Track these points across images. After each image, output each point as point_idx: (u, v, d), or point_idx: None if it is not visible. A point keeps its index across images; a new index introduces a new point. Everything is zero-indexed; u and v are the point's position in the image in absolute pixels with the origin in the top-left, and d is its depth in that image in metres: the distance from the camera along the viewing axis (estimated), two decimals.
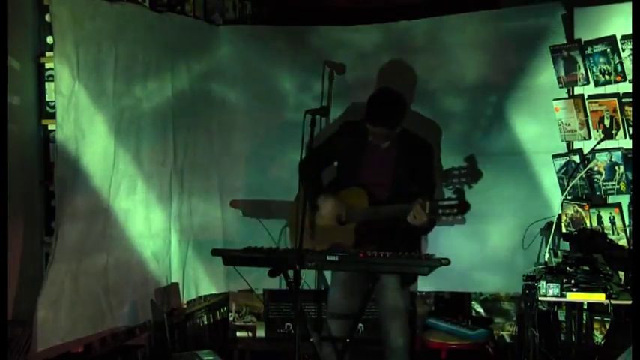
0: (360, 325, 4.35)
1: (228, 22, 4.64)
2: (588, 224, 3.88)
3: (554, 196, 4.08)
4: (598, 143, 3.84)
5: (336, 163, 3.87)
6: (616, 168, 3.80)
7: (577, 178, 3.92)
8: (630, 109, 3.68)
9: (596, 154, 3.86)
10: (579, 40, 3.92)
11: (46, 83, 3.60)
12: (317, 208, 3.62)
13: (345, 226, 3.62)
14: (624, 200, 3.81)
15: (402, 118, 3.58)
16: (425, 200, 3.33)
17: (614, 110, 3.77)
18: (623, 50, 3.72)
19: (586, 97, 3.92)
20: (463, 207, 3.32)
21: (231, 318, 4.82)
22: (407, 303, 3.69)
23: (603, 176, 3.86)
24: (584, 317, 3.85)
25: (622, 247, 3.75)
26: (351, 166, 3.72)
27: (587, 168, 3.87)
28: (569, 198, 3.99)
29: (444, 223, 4.30)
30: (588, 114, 3.90)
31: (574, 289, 3.08)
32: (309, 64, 4.49)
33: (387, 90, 3.68)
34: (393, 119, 3.54)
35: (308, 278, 4.17)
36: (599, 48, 3.80)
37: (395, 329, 3.59)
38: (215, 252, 3.53)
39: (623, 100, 3.74)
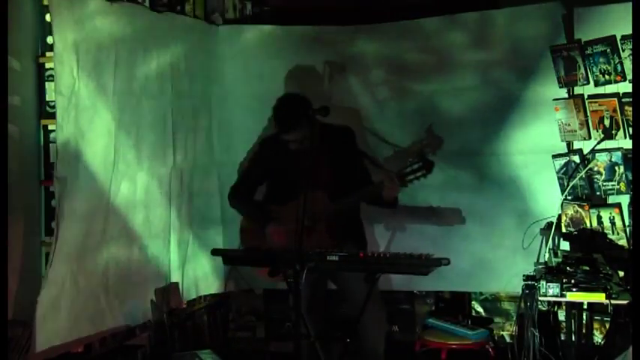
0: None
1: (228, 22, 4.64)
2: (588, 224, 3.88)
3: (554, 196, 4.07)
4: (598, 143, 3.84)
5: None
6: (616, 168, 3.80)
7: (577, 178, 3.92)
8: (630, 109, 3.68)
9: (596, 154, 3.86)
10: (579, 40, 3.92)
11: (46, 83, 3.60)
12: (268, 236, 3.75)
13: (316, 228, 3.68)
14: (624, 200, 3.81)
15: (308, 116, 3.49)
16: (393, 173, 3.42)
17: (614, 110, 3.77)
18: (623, 50, 3.72)
19: (586, 97, 3.92)
20: (428, 166, 3.42)
21: (231, 318, 4.83)
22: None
23: (603, 176, 3.86)
24: (584, 317, 3.85)
25: (622, 247, 3.75)
26: (285, 176, 3.75)
27: (587, 168, 3.88)
28: (569, 198, 3.99)
29: (444, 223, 4.36)
30: (588, 114, 3.90)
31: (574, 289, 3.08)
32: (309, 64, 4.48)
33: (286, 96, 3.82)
34: (300, 120, 3.54)
35: None
36: (599, 48, 3.80)
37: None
38: (215, 252, 3.54)
39: (623, 100, 3.74)
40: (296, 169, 3.62)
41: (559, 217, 3.98)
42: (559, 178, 4.07)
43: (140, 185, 3.84)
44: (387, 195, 3.47)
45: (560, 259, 3.50)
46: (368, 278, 3.43)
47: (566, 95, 4.02)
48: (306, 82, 4.38)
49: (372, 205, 3.75)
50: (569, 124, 3.99)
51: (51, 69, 3.48)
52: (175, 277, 4.17)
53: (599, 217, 3.85)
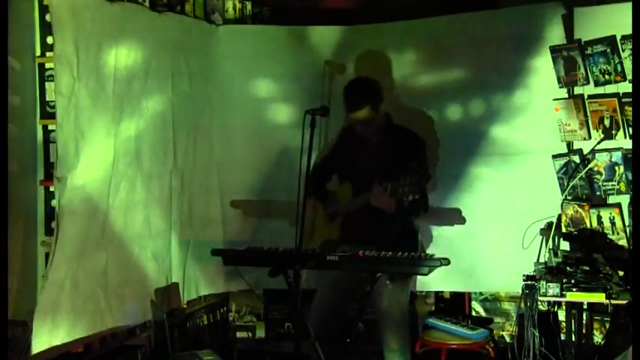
0: (360, 324, 4.36)
1: (228, 22, 4.64)
2: (588, 224, 3.88)
3: (554, 196, 4.07)
4: (598, 143, 3.84)
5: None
6: (616, 168, 3.80)
7: (577, 178, 3.92)
8: (630, 109, 3.68)
9: (596, 154, 3.86)
10: (579, 40, 3.92)
11: (46, 83, 3.61)
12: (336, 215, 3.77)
13: (333, 223, 3.72)
14: (624, 200, 3.81)
15: (378, 97, 3.62)
16: (388, 184, 3.33)
17: (614, 110, 3.77)
18: (623, 50, 3.72)
19: (586, 97, 3.92)
20: (421, 182, 3.30)
21: (231, 318, 4.83)
22: (402, 304, 3.65)
23: (603, 176, 3.86)
24: (584, 317, 3.85)
25: (622, 247, 3.75)
26: (346, 165, 3.80)
27: (587, 168, 3.88)
28: (569, 198, 3.99)
29: (444, 223, 4.36)
30: (588, 114, 3.90)
31: (574, 289, 3.07)
32: (309, 64, 4.49)
33: (358, 78, 3.86)
34: (369, 99, 3.59)
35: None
36: (599, 48, 3.81)
37: (389, 332, 3.60)
38: (215, 252, 3.53)
39: (623, 100, 3.74)
40: (353, 160, 3.72)
41: (559, 217, 3.98)
42: (559, 178, 4.07)
43: (140, 185, 3.84)
44: (375, 202, 3.42)
45: (560, 259, 3.50)
46: (368, 278, 3.44)
47: (566, 95, 4.02)
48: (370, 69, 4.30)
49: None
50: (569, 124, 3.99)
51: (51, 69, 3.48)
52: (175, 277, 4.17)
53: (599, 217, 3.85)
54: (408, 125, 3.81)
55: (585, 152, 3.94)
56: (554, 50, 3.99)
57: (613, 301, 3.03)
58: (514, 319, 4.41)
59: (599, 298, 3.05)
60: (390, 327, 3.60)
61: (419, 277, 3.31)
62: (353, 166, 3.75)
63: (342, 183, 3.86)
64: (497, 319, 4.61)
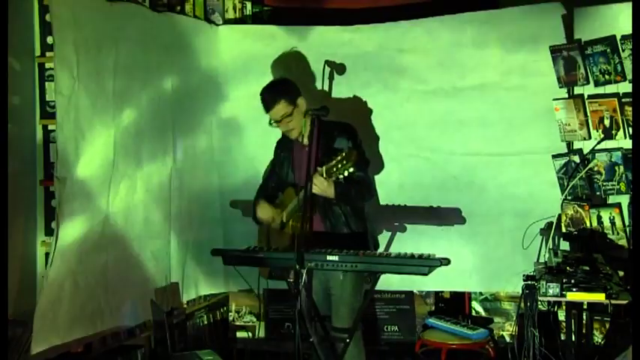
0: (360, 324, 4.36)
1: (228, 22, 4.65)
2: (588, 224, 3.88)
3: (554, 196, 4.08)
4: (598, 143, 3.85)
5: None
6: (616, 168, 3.80)
7: (577, 178, 3.92)
8: (630, 109, 3.68)
9: (596, 154, 3.86)
10: (579, 40, 3.92)
11: (46, 83, 3.61)
12: (260, 219, 3.84)
13: (284, 228, 3.71)
14: (624, 200, 3.81)
15: (292, 91, 3.71)
16: (322, 169, 3.36)
17: (614, 110, 3.78)
18: (623, 50, 3.72)
19: (586, 97, 3.93)
20: (350, 156, 3.29)
21: (231, 318, 4.83)
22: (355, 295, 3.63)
23: (603, 176, 3.86)
24: (584, 317, 3.85)
25: (622, 247, 3.75)
26: (283, 170, 3.87)
27: (587, 168, 3.88)
28: (569, 198, 3.99)
29: (444, 223, 4.36)
30: (588, 114, 3.90)
31: (574, 289, 3.07)
32: (309, 64, 4.48)
33: (270, 82, 3.92)
34: (280, 93, 3.67)
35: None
36: (599, 48, 3.81)
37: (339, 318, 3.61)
38: (215, 252, 3.53)
39: (623, 100, 3.75)
40: (288, 164, 3.78)
41: (559, 217, 3.98)
42: (559, 178, 4.07)
43: (140, 185, 3.84)
44: (316, 190, 3.42)
45: (560, 259, 3.50)
46: (368, 278, 3.44)
47: (566, 95, 4.02)
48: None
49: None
50: (569, 124, 3.99)
51: (51, 69, 3.48)
52: (175, 277, 4.17)
53: (599, 217, 3.86)
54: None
55: (585, 152, 3.94)
56: (554, 50, 4.00)
57: (613, 301, 3.03)
58: (514, 319, 4.42)
59: (599, 298, 3.04)
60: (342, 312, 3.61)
61: (419, 277, 3.29)
62: (292, 172, 3.81)
63: (284, 190, 3.85)
64: (497, 319, 4.61)
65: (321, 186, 3.40)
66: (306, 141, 3.72)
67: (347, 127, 3.75)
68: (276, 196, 3.88)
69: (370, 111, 4.47)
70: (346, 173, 3.28)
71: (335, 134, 3.68)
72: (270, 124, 3.75)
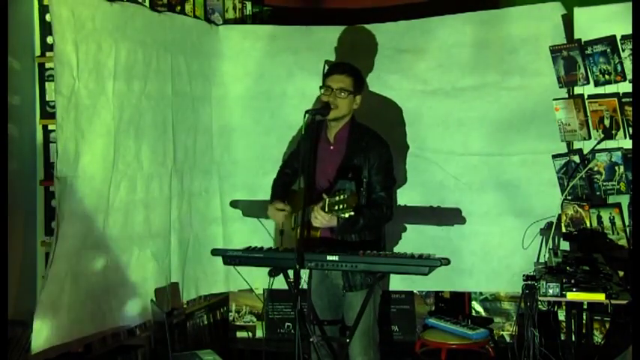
0: None
1: (228, 22, 4.65)
2: (588, 224, 3.88)
3: (554, 196, 4.08)
4: (598, 143, 3.85)
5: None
6: (616, 168, 3.81)
7: (577, 178, 3.92)
8: (630, 109, 3.69)
9: (596, 154, 3.86)
10: (579, 40, 3.92)
11: (46, 83, 3.61)
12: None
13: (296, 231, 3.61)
14: (624, 200, 3.81)
15: (362, 79, 3.63)
16: (326, 198, 3.25)
17: (614, 110, 3.78)
18: (623, 50, 3.72)
19: (586, 97, 3.93)
20: (351, 202, 3.18)
21: (231, 318, 4.83)
22: (371, 319, 3.52)
23: (603, 176, 3.86)
24: (584, 317, 3.85)
25: (622, 247, 3.75)
26: (304, 164, 3.60)
27: (587, 168, 3.88)
28: (569, 198, 3.99)
29: (444, 223, 4.36)
30: (588, 114, 3.91)
31: (574, 289, 3.08)
32: (309, 64, 4.48)
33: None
34: (355, 71, 3.59)
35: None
36: (599, 48, 3.81)
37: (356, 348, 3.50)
38: (215, 252, 3.53)
39: (623, 100, 3.75)
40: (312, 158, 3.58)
41: (559, 217, 3.98)
42: (559, 178, 4.07)
43: (140, 185, 3.84)
44: (314, 221, 3.33)
45: (560, 259, 3.50)
46: (368, 278, 3.44)
47: (566, 95, 4.02)
48: None
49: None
50: (569, 124, 3.99)
51: (51, 69, 3.48)
52: (175, 277, 4.17)
53: (599, 217, 3.86)
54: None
55: (585, 152, 3.94)
56: (554, 50, 4.00)
57: (613, 301, 3.03)
58: (514, 319, 4.42)
59: (599, 298, 3.05)
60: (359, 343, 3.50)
61: (419, 277, 3.29)
62: (310, 164, 3.54)
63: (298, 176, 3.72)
64: (497, 319, 4.61)
65: (323, 220, 3.31)
66: (337, 138, 3.61)
67: (380, 140, 3.60)
68: (292, 182, 3.80)
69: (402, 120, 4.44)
70: (347, 215, 3.19)
71: (363, 144, 3.54)
72: (321, 88, 3.59)
